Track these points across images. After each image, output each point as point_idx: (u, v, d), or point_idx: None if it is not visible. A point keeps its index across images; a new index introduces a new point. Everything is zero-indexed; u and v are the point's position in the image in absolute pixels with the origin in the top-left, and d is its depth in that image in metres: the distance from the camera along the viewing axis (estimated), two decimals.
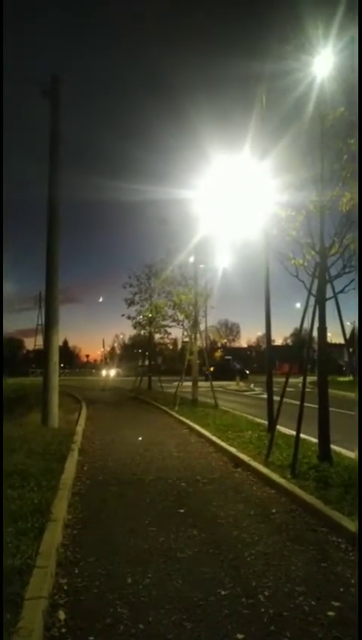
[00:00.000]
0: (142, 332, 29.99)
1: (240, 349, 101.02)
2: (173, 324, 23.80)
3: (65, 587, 3.71)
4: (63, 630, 3.09)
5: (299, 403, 7.13)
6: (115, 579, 3.88)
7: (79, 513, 5.65)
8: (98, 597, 3.57)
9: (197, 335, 19.11)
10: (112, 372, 59.75)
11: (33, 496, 5.67)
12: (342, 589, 3.71)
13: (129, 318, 27.14)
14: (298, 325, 11.82)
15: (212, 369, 23.77)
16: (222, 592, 3.63)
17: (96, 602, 3.49)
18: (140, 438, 11.07)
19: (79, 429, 12.00)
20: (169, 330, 26.72)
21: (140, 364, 35.80)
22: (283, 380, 7.96)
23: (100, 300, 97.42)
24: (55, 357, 12.28)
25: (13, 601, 3.17)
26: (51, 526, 4.71)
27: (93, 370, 46.88)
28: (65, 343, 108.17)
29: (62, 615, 3.27)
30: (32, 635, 2.80)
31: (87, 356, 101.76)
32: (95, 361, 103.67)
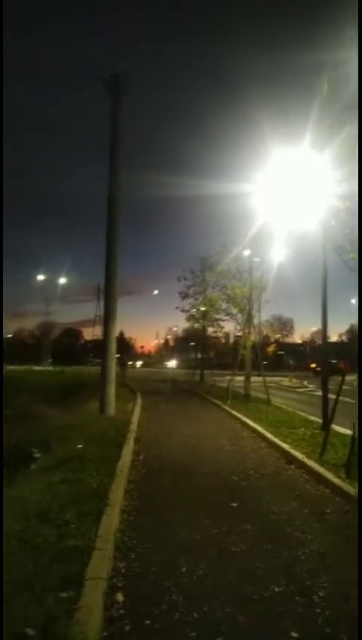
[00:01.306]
0: (196, 325, 30.10)
1: (293, 345, 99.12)
2: (227, 317, 23.72)
3: (123, 571, 3.87)
4: (121, 612, 3.24)
5: (355, 402, 6.95)
6: (170, 567, 3.99)
7: (134, 500, 5.82)
8: (154, 583, 3.69)
9: (251, 329, 18.96)
10: (170, 364, 60.55)
11: (92, 481, 5.91)
12: None
13: (183, 310, 27.33)
14: (353, 321, 11.42)
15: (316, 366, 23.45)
16: (276, 589, 3.64)
17: (152, 588, 3.61)
18: (193, 431, 11.18)
19: (134, 418, 12.30)
20: (221, 323, 26.68)
21: (193, 357, 36.00)
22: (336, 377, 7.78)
23: (155, 292, 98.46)
24: (113, 348, 12.62)
25: (75, 580, 3.34)
26: (109, 511, 4.89)
27: (130, 363, 48.10)
28: (122, 334, 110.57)
29: (120, 597, 3.41)
30: (92, 614, 2.95)
31: (142, 347, 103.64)
32: (149, 352, 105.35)
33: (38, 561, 3.70)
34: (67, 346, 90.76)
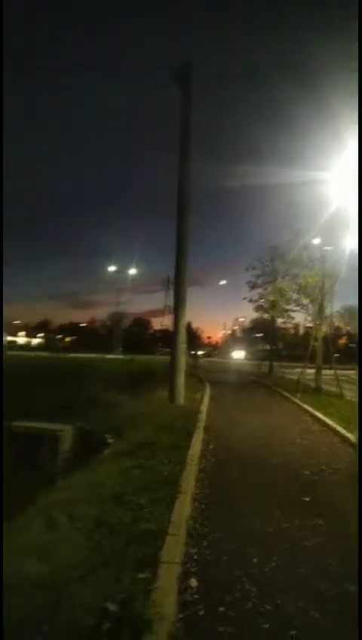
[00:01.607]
0: (265, 316, 29.67)
1: None
2: (297, 308, 23.18)
3: (196, 557, 3.95)
4: (196, 597, 3.32)
5: None
6: (242, 556, 4.02)
7: (205, 489, 5.90)
8: (226, 571, 3.75)
9: (323, 320, 18.40)
10: (236, 355, 60.32)
11: (163, 469, 6.07)
12: None
13: (251, 301, 27.05)
14: None
15: None
16: (351, 589, 3.57)
17: (224, 576, 3.67)
18: (263, 422, 11.11)
19: (203, 408, 12.42)
20: (292, 314, 26.09)
21: (261, 348, 35.60)
22: None
23: (222, 282, 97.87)
24: (182, 338, 12.80)
25: (150, 563, 3.47)
26: (181, 498, 5.01)
27: (193, 352, 48.53)
28: (189, 324, 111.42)
29: (193, 582, 3.50)
30: (168, 596, 3.06)
31: (209, 338, 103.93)
32: (216, 343, 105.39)
33: (114, 542, 3.88)
34: (137, 335, 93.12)
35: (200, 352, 64.69)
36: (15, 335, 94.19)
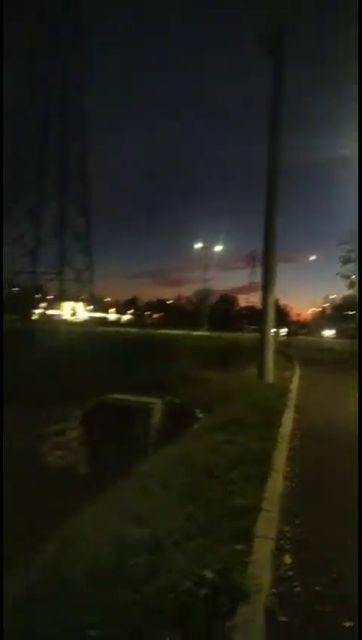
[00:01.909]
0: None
1: None
2: None
3: (289, 535, 3.94)
4: (290, 573, 3.32)
5: None
6: (337, 539, 3.94)
7: (296, 467, 5.83)
8: (321, 550, 3.70)
9: None
10: (327, 333, 58.27)
11: (254, 445, 6.07)
12: None
13: (344, 277, 25.82)
14: None
15: None
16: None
17: (319, 555, 3.63)
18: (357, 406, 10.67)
19: (293, 386, 12.20)
20: None
21: (352, 326, 34.00)
22: None
23: (312, 258, 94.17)
24: (271, 316, 12.58)
25: (245, 537, 3.52)
26: (273, 475, 5.01)
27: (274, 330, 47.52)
28: (277, 301, 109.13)
29: (288, 559, 3.50)
30: (264, 569, 3.10)
31: (298, 315, 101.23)
32: (305, 320, 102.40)
33: (208, 514, 3.98)
34: (223, 312, 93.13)
35: (282, 331, 63.01)
36: (106, 312, 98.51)
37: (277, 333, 48.78)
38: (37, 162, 41.58)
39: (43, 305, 58.77)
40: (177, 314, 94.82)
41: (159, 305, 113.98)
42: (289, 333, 64.88)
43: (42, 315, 55.07)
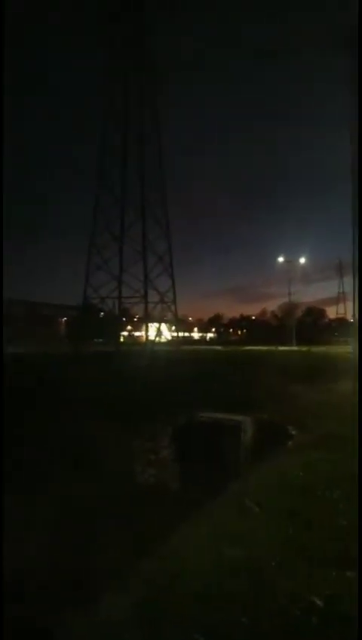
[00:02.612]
0: None
1: None
2: None
3: None
4: None
5: None
6: None
7: None
8: None
9: None
10: None
11: (354, 463, 5.69)
12: None
13: None
14: None
15: None
16: None
17: None
18: None
19: None
20: None
21: None
22: None
23: None
24: None
25: (351, 561, 3.27)
26: None
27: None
28: None
29: None
30: None
31: None
32: None
33: (309, 535, 3.77)
34: (310, 325, 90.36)
35: None
36: (191, 331, 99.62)
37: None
38: (119, 190, 43.55)
39: (129, 328, 60.81)
40: (262, 329, 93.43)
41: (243, 321, 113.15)
42: None
43: (129, 337, 56.92)
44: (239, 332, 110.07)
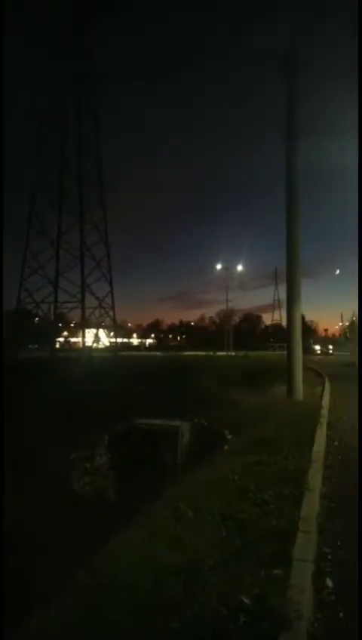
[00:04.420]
0: None
1: None
2: None
3: (330, 557, 3.76)
4: (333, 598, 3.15)
5: None
6: None
7: (334, 487, 5.61)
8: None
9: None
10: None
11: (287, 464, 5.90)
12: None
13: None
14: None
15: None
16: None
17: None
18: None
19: (324, 403, 11.89)
20: None
21: None
22: None
23: (337, 272, 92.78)
24: (298, 332, 12.39)
25: (282, 560, 3.37)
26: (308, 495, 4.82)
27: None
28: (303, 317, 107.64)
29: (329, 582, 3.33)
30: (304, 594, 2.93)
31: (326, 330, 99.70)
32: (333, 335, 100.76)
33: (243, 537, 3.84)
34: (247, 331, 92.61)
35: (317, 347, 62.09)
36: (129, 337, 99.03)
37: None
38: (55, 193, 42.59)
39: (65, 334, 59.39)
40: (201, 335, 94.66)
41: (182, 327, 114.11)
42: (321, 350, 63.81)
43: (65, 343, 55.58)
44: (178, 338, 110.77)
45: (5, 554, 5.09)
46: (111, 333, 53.02)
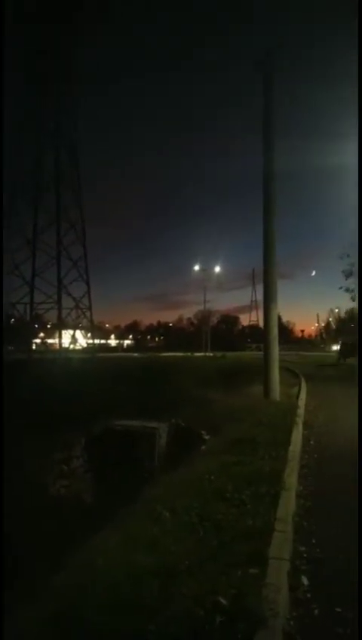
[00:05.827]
0: None
1: None
2: None
3: (306, 555, 3.79)
4: (308, 595, 3.18)
5: None
6: (356, 560, 3.78)
7: (309, 486, 5.67)
8: (340, 573, 3.54)
9: None
10: (335, 347, 58.09)
11: (264, 464, 5.93)
12: None
13: (347, 290, 25.76)
14: None
15: None
16: None
17: (338, 577, 3.48)
18: None
19: (301, 403, 12.01)
20: None
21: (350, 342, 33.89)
22: None
23: (313, 273, 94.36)
24: (274, 332, 12.48)
25: (258, 559, 3.38)
26: (284, 494, 4.85)
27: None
28: (280, 318, 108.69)
29: (305, 580, 3.36)
30: (280, 592, 2.95)
31: (302, 331, 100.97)
32: (309, 336, 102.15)
33: (220, 537, 3.85)
34: (225, 332, 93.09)
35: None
36: (107, 338, 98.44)
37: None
38: (32, 192, 42.09)
39: (41, 335, 58.64)
40: (179, 336, 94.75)
41: (160, 328, 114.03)
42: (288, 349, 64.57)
43: (41, 344, 54.88)
44: (156, 339, 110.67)
45: None
46: (89, 334, 52.57)
